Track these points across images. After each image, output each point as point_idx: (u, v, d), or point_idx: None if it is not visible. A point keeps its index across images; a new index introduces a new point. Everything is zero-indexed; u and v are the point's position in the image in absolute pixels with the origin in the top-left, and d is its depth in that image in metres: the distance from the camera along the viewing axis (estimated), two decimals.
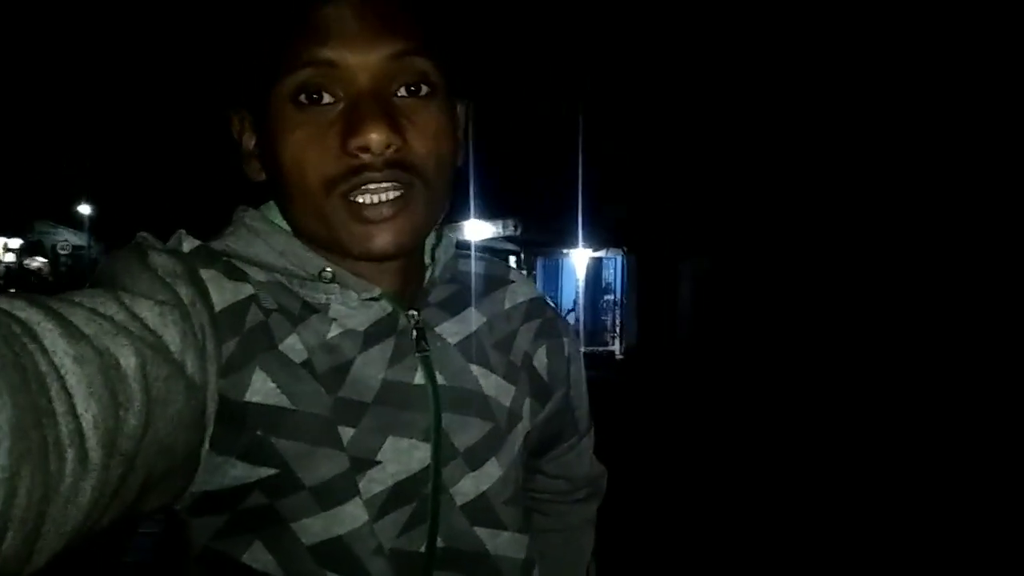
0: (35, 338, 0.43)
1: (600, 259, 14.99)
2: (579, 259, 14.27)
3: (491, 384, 0.71)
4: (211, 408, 0.56)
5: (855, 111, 9.47)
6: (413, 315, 0.68)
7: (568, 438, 0.87)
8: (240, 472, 0.59)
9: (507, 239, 15.28)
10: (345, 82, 0.60)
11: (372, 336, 0.65)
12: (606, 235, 13.51)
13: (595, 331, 14.73)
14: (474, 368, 0.70)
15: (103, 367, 0.45)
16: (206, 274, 0.61)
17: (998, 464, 5.24)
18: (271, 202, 0.70)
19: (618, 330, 14.40)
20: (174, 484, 0.55)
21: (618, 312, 14.56)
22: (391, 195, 0.61)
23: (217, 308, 0.60)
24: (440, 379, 0.67)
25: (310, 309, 0.64)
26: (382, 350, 0.65)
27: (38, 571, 0.42)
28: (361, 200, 0.60)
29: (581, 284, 14.47)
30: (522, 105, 12.85)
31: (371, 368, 0.64)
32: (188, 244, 0.64)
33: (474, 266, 0.78)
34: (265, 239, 0.65)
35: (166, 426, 0.50)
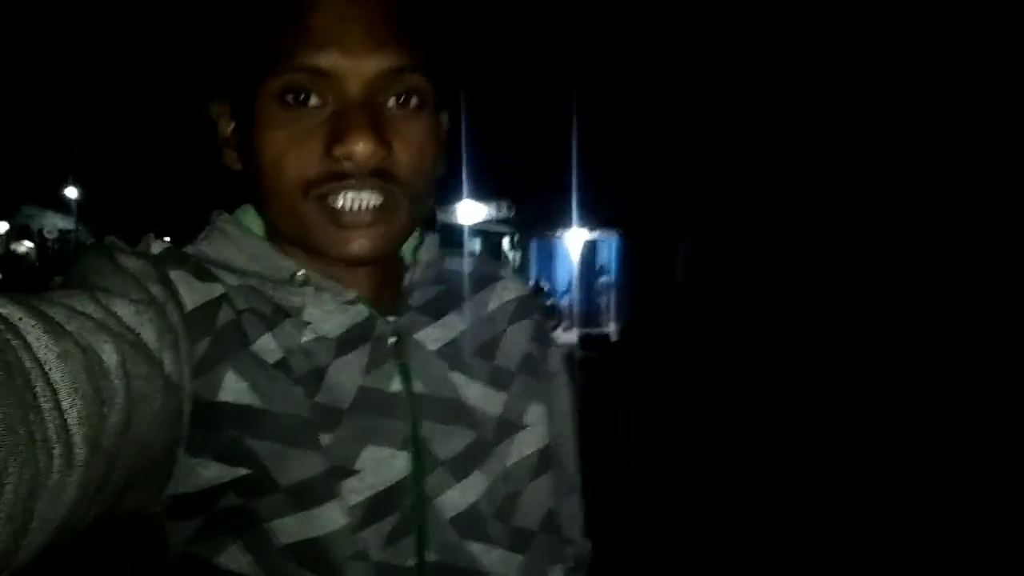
0: (18, 334, 0.43)
1: (595, 241, 14.90)
2: (574, 240, 14.16)
3: (473, 392, 0.68)
4: (187, 408, 0.56)
5: (851, 90, 9.37)
6: (391, 320, 0.66)
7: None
8: (214, 473, 0.58)
9: (501, 221, 15.19)
10: (336, 89, 0.60)
11: (346, 342, 0.64)
12: (601, 216, 13.42)
13: (590, 313, 14.67)
14: (455, 376, 0.68)
15: (86, 363, 0.45)
16: (175, 275, 0.61)
17: (992, 449, 5.17)
18: (246, 206, 0.70)
19: (613, 312, 14.33)
20: (153, 483, 0.56)
21: (613, 294, 14.48)
22: (371, 202, 0.61)
23: (188, 308, 0.60)
24: (418, 387, 0.65)
25: (283, 313, 0.63)
26: (358, 356, 0.64)
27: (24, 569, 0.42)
28: (339, 204, 0.60)
29: (576, 266, 14.37)
30: (516, 85, 12.70)
31: (346, 375, 0.63)
32: (157, 247, 0.64)
33: (460, 265, 0.76)
34: (236, 243, 0.65)
35: (146, 424, 0.50)
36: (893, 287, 9.23)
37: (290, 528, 0.59)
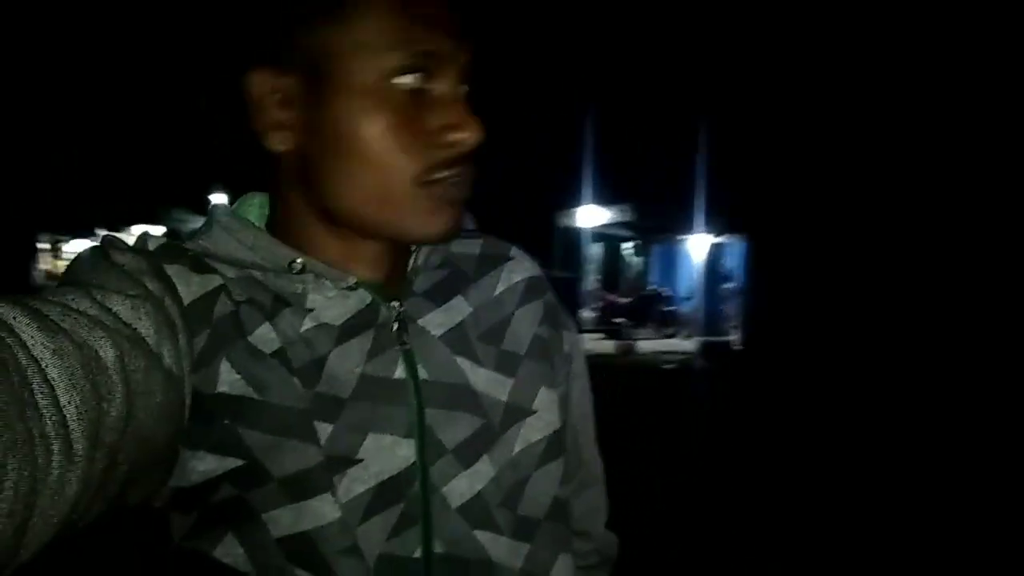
0: (12, 332, 0.43)
1: (720, 245, 14.49)
2: (697, 245, 13.84)
3: (480, 378, 0.67)
4: (188, 401, 0.56)
5: (970, 94, 8.73)
6: (394, 306, 0.65)
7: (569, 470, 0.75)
8: (209, 465, 0.58)
9: (622, 224, 15.03)
10: (442, 73, 0.60)
11: (349, 329, 0.63)
12: (726, 220, 13.04)
13: (713, 320, 14.27)
14: (461, 361, 0.67)
15: (83, 359, 0.46)
16: (171, 269, 0.61)
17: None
18: (245, 196, 0.71)
19: (738, 320, 13.89)
20: (156, 477, 0.56)
21: (738, 301, 14.04)
22: (462, 184, 0.63)
23: (186, 302, 0.60)
24: (422, 373, 0.64)
25: (283, 302, 0.63)
26: (360, 343, 0.63)
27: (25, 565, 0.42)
28: (450, 189, 0.62)
29: (699, 271, 14.04)
30: (639, 89, 12.56)
31: (347, 362, 0.62)
32: (153, 243, 0.64)
33: (467, 247, 0.75)
34: (234, 235, 0.64)
35: (147, 418, 0.50)
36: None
37: (283, 521, 0.58)
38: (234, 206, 0.70)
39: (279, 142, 0.62)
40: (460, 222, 0.64)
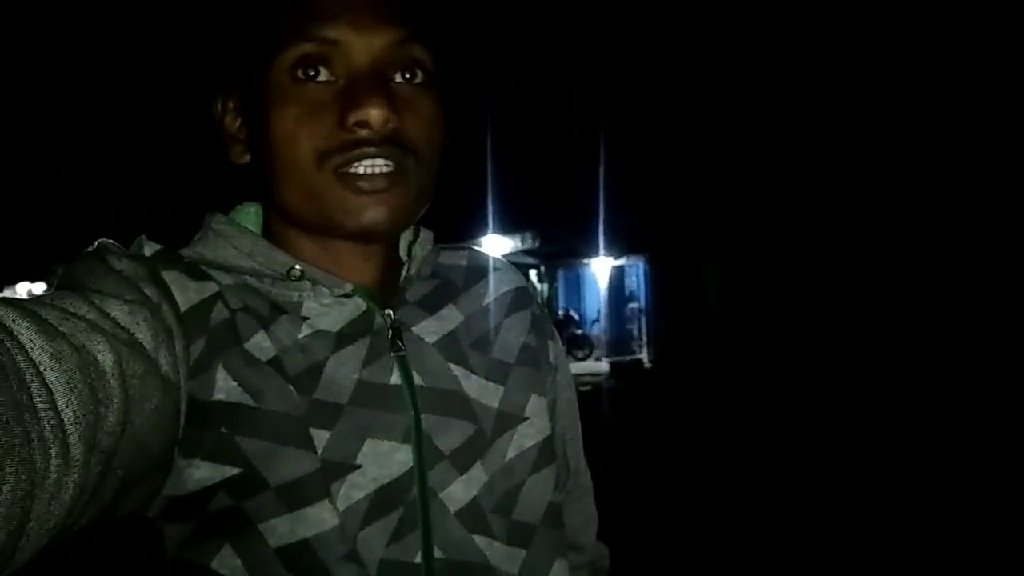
0: (11, 335, 0.43)
1: (622, 267, 14.82)
2: (600, 268, 14.10)
3: (472, 385, 0.68)
4: (184, 408, 0.56)
5: (874, 110, 9.32)
6: (388, 314, 0.66)
7: (559, 478, 0.75)
8: (205, 474, 0.57)
9: (526, 252, 15.18)
10: (345, 62, 0.61)
11: (345, 336, 0.64)
12: (627, 242, 13.36)
13: (621, 340, 14.53)
14: (454, 368, 0.67)
15: (81, 364, 0.45)
16: (168, 276, 0.60)
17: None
18: (240, 206, 0.71)
19: (644, 339, 14.19)
20: (151, 485, 0.56)
21: (644, 320, 14.35)
22: (386, 169, 0.61)
23: (182, 308, 0.59)
24: (417, 379, 0.65)
25: (280, 310, 0.63)
26: (356, 350, 0.63)
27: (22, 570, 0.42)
28: (356, 172, 0.60)
29: (604, 294, 14.29)
30: (537, 115, 12.78)
31: (344, 369, 0.62)
32: (149, 248, 0.63)
33: (455, 259, 0.76)
34: (232, 241, 0.65)
35: (143, 424, 0.50)
36: (926, 306, 9.05)
37: (281, 530, 0.57)
38: (230, 214, 0.70)
39: (239, 155, 0.67)
40: (396, 214, 0.62)
